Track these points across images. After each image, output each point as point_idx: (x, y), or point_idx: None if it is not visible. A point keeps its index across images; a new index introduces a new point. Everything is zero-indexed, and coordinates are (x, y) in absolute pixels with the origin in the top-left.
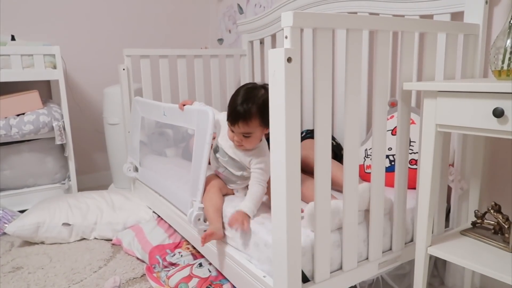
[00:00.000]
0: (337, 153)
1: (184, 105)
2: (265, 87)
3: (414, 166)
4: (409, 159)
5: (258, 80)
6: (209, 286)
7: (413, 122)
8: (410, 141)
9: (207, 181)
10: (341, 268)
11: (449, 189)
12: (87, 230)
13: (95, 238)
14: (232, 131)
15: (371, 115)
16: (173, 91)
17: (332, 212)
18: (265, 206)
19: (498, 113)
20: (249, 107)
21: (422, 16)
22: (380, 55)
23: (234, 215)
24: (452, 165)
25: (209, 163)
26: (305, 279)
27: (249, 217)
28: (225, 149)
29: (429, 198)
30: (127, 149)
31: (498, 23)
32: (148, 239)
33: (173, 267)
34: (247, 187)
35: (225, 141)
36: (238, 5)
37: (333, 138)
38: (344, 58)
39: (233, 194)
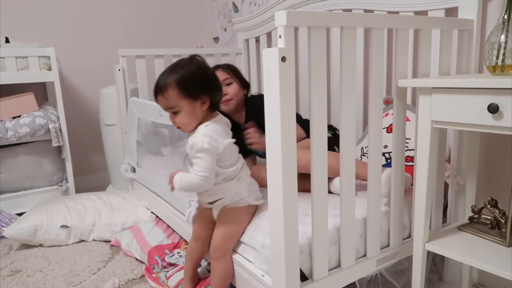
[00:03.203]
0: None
1: None
2: (191, 57)
3: (410, 163)
4: (405, 156)
5: (254, 79)
6: (208, 286)
7: (408, 120)
8: (406, 138)
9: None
10: (339, 265)
11: (446, 185)
12: (85, 231)
13: (93, 240)
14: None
15: (367, 113)
16: None
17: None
18: (260, 207)
19: (493, 109)
20: (163, 78)
21: (416, 12)
22: (374, 52)
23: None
24: (448, 161)
25: None
26: (303, 278)
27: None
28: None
29: (425, 194)
30: (124, 150)
31: (492, 19)
32: (147, 239)
33: (172, 267)
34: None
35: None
36: (233, 3)
37: (335, 129)
38: (339, 56)
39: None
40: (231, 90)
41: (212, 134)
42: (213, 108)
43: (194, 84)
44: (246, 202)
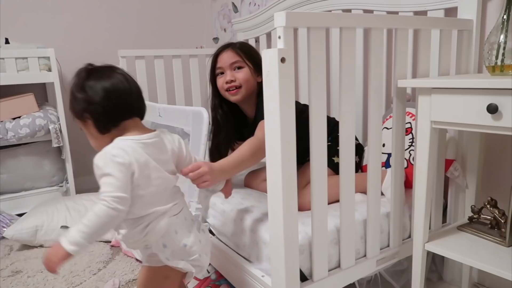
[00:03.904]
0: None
1: None
2: (76, 74)
3: None
4: (412, 156)
5: None
6: (208, 287)
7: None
8: (414, 138)
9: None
10: (339, 266)
11: (446, 185)
12: None
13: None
14: None
15: (367, 113)
16: (169, 91)
17: None
18: (264, 203)
19: (492, 109)
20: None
21: (416, 12)
22: (374, 52)
23: (47, 252)
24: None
25: None
26: (303, 278)
27: (69, 254)
28: None
29: (425, 194)
30: None
31: (492, 19)
32: None
33: None
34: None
35: None
36: (233, 3)
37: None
38: (339, 57)
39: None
40: (240, 76)
41: (125, 148)
42: (107, 126)
43: (76, 104)
44: (160, 261)
